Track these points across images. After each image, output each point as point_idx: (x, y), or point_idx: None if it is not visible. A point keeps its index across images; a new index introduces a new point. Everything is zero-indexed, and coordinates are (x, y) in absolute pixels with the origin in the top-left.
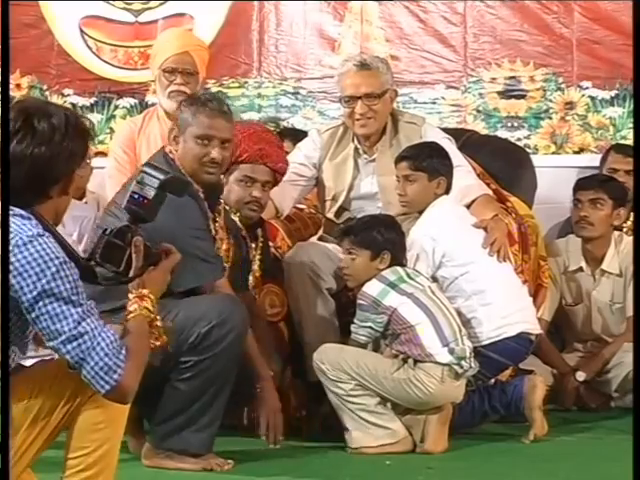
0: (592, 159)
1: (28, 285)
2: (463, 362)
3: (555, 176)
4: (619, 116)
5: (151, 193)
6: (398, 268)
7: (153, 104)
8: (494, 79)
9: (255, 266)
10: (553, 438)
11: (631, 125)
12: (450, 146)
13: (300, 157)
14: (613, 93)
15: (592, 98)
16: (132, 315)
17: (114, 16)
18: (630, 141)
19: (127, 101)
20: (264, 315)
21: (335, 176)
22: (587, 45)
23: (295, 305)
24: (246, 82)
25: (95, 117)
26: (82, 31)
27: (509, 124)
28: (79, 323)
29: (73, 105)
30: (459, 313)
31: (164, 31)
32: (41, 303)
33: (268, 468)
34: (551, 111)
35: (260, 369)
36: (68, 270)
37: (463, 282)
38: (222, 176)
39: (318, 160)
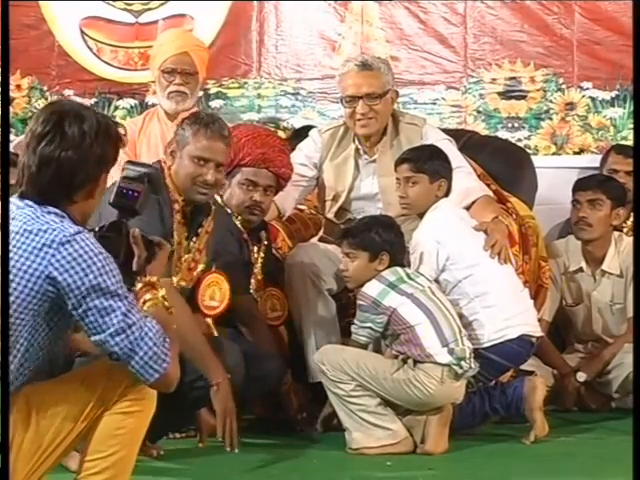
0: (592, 160)
1: (75, 282)
2: (463, 362)
3: (555, 177)
4: (619, 117)
5: (141, 187)
6: (398, 268)
7: (153, 105)
8: (494, 80)
9: (257, 269)
10: (554, 439)
11: (632, 126)
12: (450, 147)
13: (301, 157)
14: (613, 94)
15: (592, 99)
16: (150, 304)
17: (114, 17)
18: (631, 142)
19: (127, 102)
20: (265, 318)
21: (335, 176)
22: (588, 46)
23: (296, 306)
24: (246, 82)
25: None
26: (82, 32)
27: (509, 125)
28: (126, 315)
29: None
30: (461, 315)
31: (163, 32)
32: (89, 298)
33: (268, 469)
34: (551, 112)
35: (212, 370)
36: (111, 265)
37: (466, 285)
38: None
39: (319, 160)
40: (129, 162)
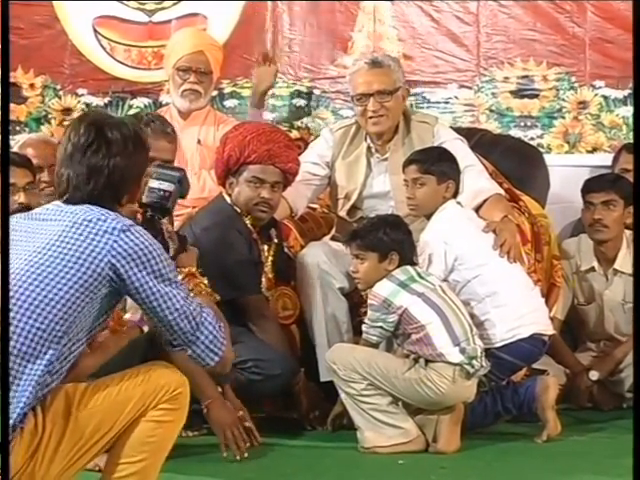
0: (605, 158)
1: (138, 266)
2: (474, 362)
3: (568, 175)
4: (632, 115)
5: (172, 187)
6: (409, 267)
7: (167, 104)
8: (507, 78)
9: (267, 268)
10: (566, 438)
11: None
12: (462, 146)
13: (313, 156)
14: (626, 92)
15: (605, 97)
16: (195, 292)
17: (128, 16)
18: None
19: (141, 101)
20: (276, 317)
21: (347, 175)
22: (600, 44)
23: (307, 305)
24: None
25: None
26: (96, 31)
27: (522, 123)
28: (185, 300)
29: (87, 105)
30: (472, 316)
31: (178, 30)
32: (151, 283)
33: (280, 467)
34: (564, 110)
35: (205, 389)
36: (165, 254)
37: (476, 285)
38: None
39: (331, 159)
40: (159, 165)
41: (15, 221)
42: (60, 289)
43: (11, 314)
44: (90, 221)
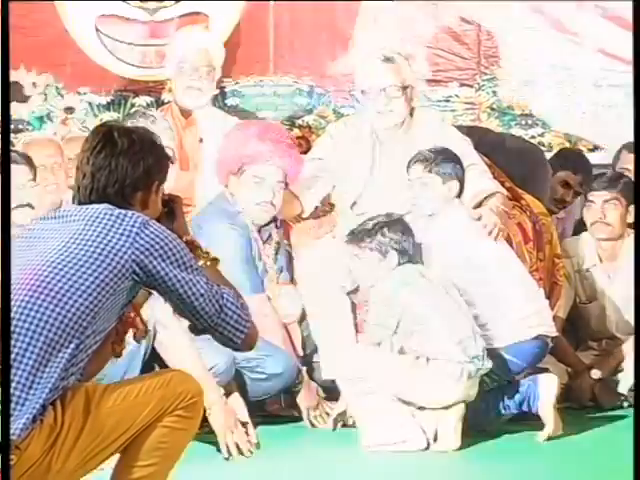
0: (606, 157)
1: (161, 255)
2: (476, 360)
3: None
4: (633, 114)
5: None
6: (410, 266)
7: (169, 102)
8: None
9: (269, 267)
10: (567, 436)
11: None
12: (465, 145)
13: (320, 152)
14: None
15: None
16: (201, 263)
17: (129, 15)
18: None
19: (143, 99)
20: (278, 317)
21: (350, 169)
22: None
23: (309, 303)
24: (262, 80)
25: (112, 115)
26: (98, 30)
27: (523, 122)
28: (207, 285)
29: (90, 104)
30: (476, 316)
31: (181, 28)
32: (175, 272)
33: (281, 466)
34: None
35: (208, 392)
36: (183, 243)
37: (481, 286)
38: None
39: (336, 153)
40: None
41: (35, 221)
42: (86, 280)
43: (36, 306)
44: (112, 215)
